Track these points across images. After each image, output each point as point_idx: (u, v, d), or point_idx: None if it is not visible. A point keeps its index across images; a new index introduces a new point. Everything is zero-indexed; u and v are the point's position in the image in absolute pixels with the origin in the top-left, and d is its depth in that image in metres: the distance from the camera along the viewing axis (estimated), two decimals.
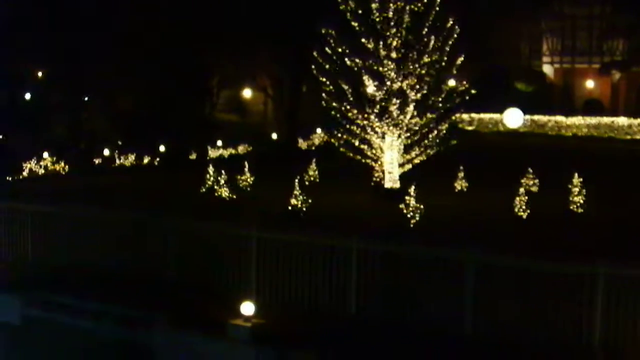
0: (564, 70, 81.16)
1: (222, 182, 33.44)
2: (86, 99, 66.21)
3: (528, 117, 65.81)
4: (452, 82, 72.49)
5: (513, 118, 27.02)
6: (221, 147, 59.84)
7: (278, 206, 29.02)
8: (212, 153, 57.09)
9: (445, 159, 35.92)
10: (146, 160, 53.05)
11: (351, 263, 18.19)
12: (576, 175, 31.41)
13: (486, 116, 69.24)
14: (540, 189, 35.69)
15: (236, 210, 29.72)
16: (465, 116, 67.51)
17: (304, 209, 28.48)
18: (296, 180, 29.03)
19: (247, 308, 16.98)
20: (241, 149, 59.84)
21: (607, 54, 78.54)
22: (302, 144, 62.42)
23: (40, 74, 70.44)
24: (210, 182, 34.96)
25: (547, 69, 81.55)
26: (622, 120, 65.17)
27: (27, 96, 67.63)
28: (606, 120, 65.80)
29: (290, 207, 28.54)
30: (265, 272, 19.22)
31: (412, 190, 27.42)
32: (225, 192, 33.17)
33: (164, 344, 17.79)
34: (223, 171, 34.05)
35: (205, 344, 17.22)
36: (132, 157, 51.41)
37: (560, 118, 67.31)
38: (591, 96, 79.05)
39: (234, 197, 33.47)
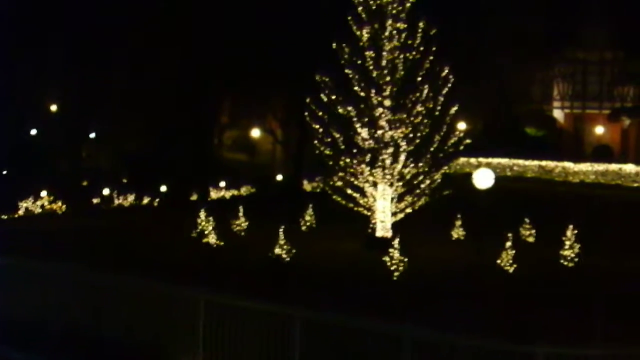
0: (574, 116, 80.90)
1: (210, 227, 33.20)
2: (92, 135, 66.41)
3: (537, 162, 65.69)
4: (462, 126, 72.83)
5: (483, 179, 26.58)
6: (224, 188, 59.76)
7: (263, 254, 28.78)
8: (215, 194, 57.04)
9: (448, 204, 35.59)
10: (146, 200, 53.01)
11: (295, 335, 16.46)
12: (571, 227, 30.97)
13: (494, 160, 68.78)
14: (537, 240, 35.28)
15: (216, 259, 29.46)
16: (473, 160, 67.12)
17: (288, 258, 28.23)
18: (281, 230, 28.79)
19: None
20: (244, 190, 59.78)
21: (617, 99, 78.31)
22: (307, 185, 62.26)
23: (52, 107, 70.73)
24: (201, 227, 34.77)
25: (558, 114, 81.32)
26: (630, 168, 64.53)
27: (33, 132, 67.77)
28: (614, 167, 65.19)
29: (274, 256, 28.30)
30: (212, 338, 17.76)
31: (396, 242, 27.13)
32: (212, 239, 32.92)
33: None
34: (211, 217, 33.85)
35: None
36: (131, 198, 51.37)
37: (567, 164, 66.75)
38: (601, 142, 78.65)
39: (222, 243, 33.21)
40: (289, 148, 64.52)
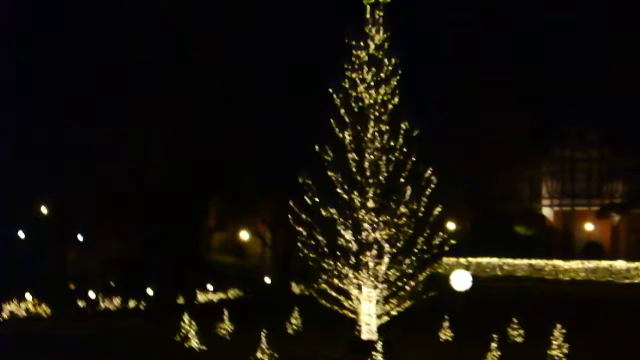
0: (563, 213, 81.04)
1: (193, 332, 32.78)
2: (79, 238, 66.11)
3: (526, 261, 65.61)
4: (451, 226, 72.64)
5: (460, 280, 26.41)
6: (211, 291, 59.35)
7: (247, 358, 28.35)
8: (202, 297, 56.59)
9: (437, 304, 35.19)
10: (132, 304, 52.51)
11: None
12: (559, 326, 30.65)
13: (484, 260, 68.57)
14: (526, 340, 34.88)
15: None
16: (462, 260, 67.00)
17: None
18: (263, 334, 28.40)
19: None
20: (231, 293, 59.32)
21: (606, 196, 78.54)
22: (296, 288, 61.82)
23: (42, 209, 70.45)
24: (185, 331, 34.32)
25: (547, 212, 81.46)
26: (620, 264, 64.45)
27: (21, 235, 67.33)
28: (604, 264, 65.07)
29: None
30: None
31: (379, 346, 26.74)
32: (195, 343, 32.48)
33: None
34: (196, 321, 33.46)
35: None
36: (117, 301, 50.89)
37: (558, 262, 66.62)
38: (591, 239, 78.59)
39: (204, 348, 32.76)
40: (278, 251, 64.49)
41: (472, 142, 74.44)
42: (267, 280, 64.10)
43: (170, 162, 61.04)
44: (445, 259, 65.05)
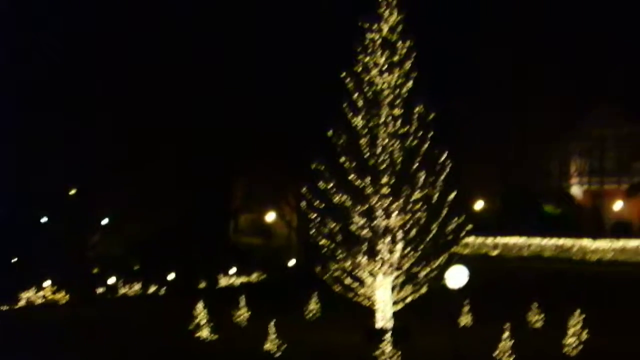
0: (592, 192, 80.00)
1: (204, 320, 32.57)
2: (104, 222, 66.01)
3: (554, 241, 64.75)
4: (480, 205, 71.98)
5: (456, 277, 25.93)
6: (234, 274, 59.14)
7: (256, 348, 28.14)
8: (224, 281, 56.42)
9: (463, 287, 34.77)
10: (152, 289, 52.40)
11: None
12: (578, 311, 30.19)
13: (511, 240, 67.76)
14: (545, 325, 34.47)
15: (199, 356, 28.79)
16: (489, 240, 66.36)
17: (279, 353, 27.57)
18: (272, 323, 28.16)
19: None
20: (254, 276, 59.08)
21: (635, 174, 77.39)
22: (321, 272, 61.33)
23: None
24: (198, 319, 34.11)
25: (576, 190, 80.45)
26: None
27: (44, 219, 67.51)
28: (632, 243, 63.92)
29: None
30: None
31: (388, 335, 26.41)
32: (205, 333, 32.29)
33: None
34: (213, 308, 33.21)
35: None
36: (137, 287, 50.78)
37: (585, 242, 65.51)
38: (620, 218, 77.48)
39: (215, 337, 32.53)
40: (303, 234, 64.19)
41: (502, 121, 73.57)
42: (291, 262, 63.77)
43: (195, 139, 60.94)
44: (472, 239, 64.64)
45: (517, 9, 72.14)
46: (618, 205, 77.65)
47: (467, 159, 58.43)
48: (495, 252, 67.66)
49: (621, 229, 73.99)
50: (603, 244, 64.85)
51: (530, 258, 64.44)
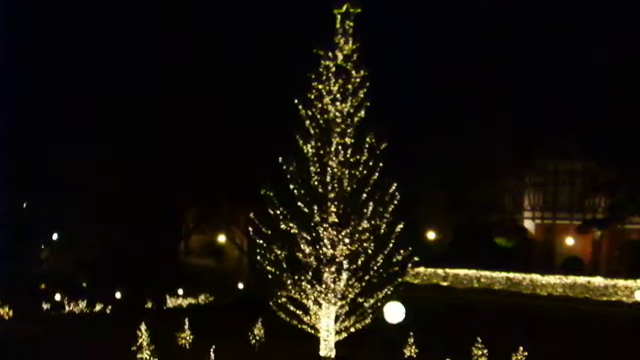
0: (545, 226, 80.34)
1: (145, 343, 32.15)
2: (54, 237, 65.42)
3: (504, 274, 65.04)
4: (431, 236, 72.10)
5: (393, 314, 26.00)
6: (182, 295, 58.76)
7: None
8: (172, 302, 55.97)
9: (410, 317, 34.72)
10: (98, 307, 51.82)
11: None
12: (521, 349, 30.22)
13: (461, 272, 67.97)
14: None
15: None
16: (440, 271, 66.58)
17: None
18: (212, 350, 27.87)
19: None
20: (202, 298, 58.72)
21: (588, 211, 77.80)
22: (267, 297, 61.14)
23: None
24: (140, 340, 33.65)
25: (528, 224, 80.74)
26: (598, 281, 63.66)
27: None
28: (582, 280, 64.27)
29: None
30: None
31: None
32: (146, 354, 31.88)
33: None
34: (150, 330, 32.80)
35: None
36: (83, 304, 50.20)
37: (535, 276, 65.87)
38: (572, 253, 77.85)
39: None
40: (253, 258, 63.98)
41: (454, 153, 73.73)
42: (240, 286, 63.47)
43: (148, 163, 60.68)
44: (423, 269, 64.88)
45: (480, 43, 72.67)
46: (570, 241, 78.10)
47: (419, 190, 58.71)
48: (445, 283, 67.86)
49: (572, 265, 74.37)
50: (553, 279, 65.26)
51: (480, 290, 64.63)
